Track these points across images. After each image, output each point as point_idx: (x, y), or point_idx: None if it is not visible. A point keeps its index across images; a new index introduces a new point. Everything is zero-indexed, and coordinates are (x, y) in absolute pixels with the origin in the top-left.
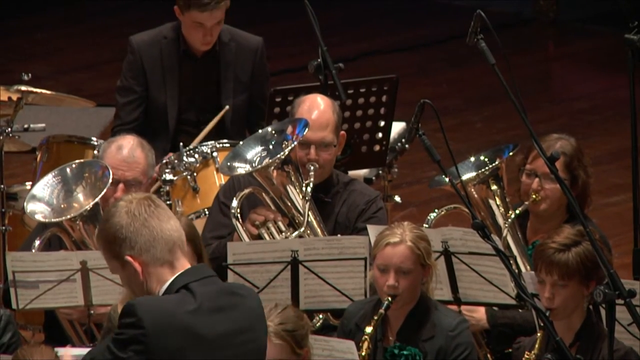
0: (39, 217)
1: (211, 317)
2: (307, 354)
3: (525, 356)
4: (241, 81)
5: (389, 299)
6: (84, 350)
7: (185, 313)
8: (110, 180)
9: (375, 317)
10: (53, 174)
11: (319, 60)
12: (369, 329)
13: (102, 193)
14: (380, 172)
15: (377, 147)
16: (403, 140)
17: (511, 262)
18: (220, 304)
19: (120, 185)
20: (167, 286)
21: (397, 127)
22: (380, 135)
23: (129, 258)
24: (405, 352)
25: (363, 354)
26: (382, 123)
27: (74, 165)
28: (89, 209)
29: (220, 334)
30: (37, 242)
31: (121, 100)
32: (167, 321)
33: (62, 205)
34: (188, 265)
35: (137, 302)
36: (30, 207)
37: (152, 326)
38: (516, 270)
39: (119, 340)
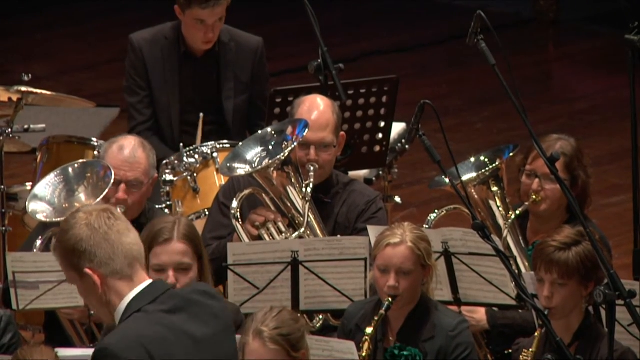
0: (40, 217)
1: (171, 337)
2: (304, 356)
3: (523, 354)
4: (241, 81)
5: (390, 299)
6: (84, 351)
7: (156, 330)
8: (112, 181)
9: (376, 318)
10: (55, 173)
11: (319, 60)
12: (369, 330)
13: (104, 193)
14: (381, 172)
15: (377, 148)
16: (403, 140)
17: (511, 262)
18: (174, 323)
19: (122, 186)
20: (124, 310)
21: (398, 127)
22: (380, 135)
23: (88, 271)
24: (405, 353)
25: (363, 354)
26: (383, 124)
27: (76, 165)
28: None
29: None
30: (38, 242)
31: (131, 99)
32: (144, 347)
33: (64, 205)
34: (146, 279)
35: (109, 344)
36: (32, 206)
37: (139, 357)
38: (516, 271)
39: None
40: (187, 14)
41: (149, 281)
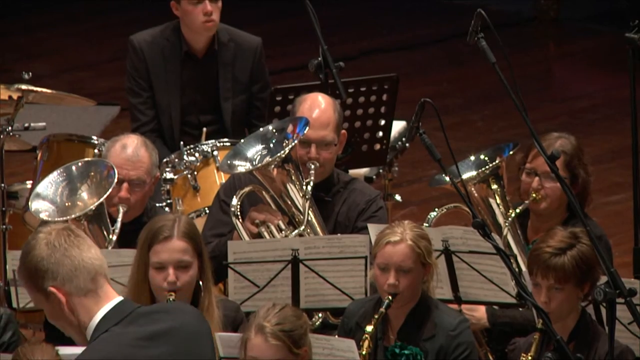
0: (43, 215)
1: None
2: (306, 353)
3: (522, 357)
4: (240, 81)
5: (390, 297)
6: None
7: (123, 353)
8: (116, 181)
9: (376, 316)
10: (58, 171)
11: (319, 59)
12: (369, 328)
13: (108, 193)
14: (381, 170)
15: (377, 146)
16: (403, 139)
17: (511, 260)
18: (141, 347)
19: (125, 185)
20: (94, 329)
21: (398, 125)
22: (380, 134)
23: (52, 289)
24: (406, 352)
25: (364, 352)
26: (383, 122)
27: (79, 164)
28: (94, 208)
29: None
30: None
31: (134, 100)
32: None
33: (67, 204)
34: (113, 295)
35: None
36: (35, 205)
37: None
38: (516, 269)
39: None
40: (182, 2)
41: (117, 299)
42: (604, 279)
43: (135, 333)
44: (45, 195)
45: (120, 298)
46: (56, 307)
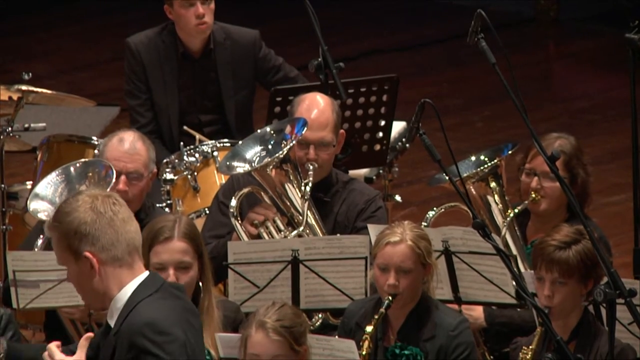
0: (41, 215)
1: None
2: (306, 352)
3: (523, 351)
4: (241, 77)
5: (390, 298)
6: None
7: (180, 313)
8: (114, 180)
9: (376, 316)
10: (57, 172)
11: (319, 59)
12: (369, 328)
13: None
14: (381, 171)
15: (377, 147)
16: (403, 139)
17: (511, 261)
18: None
19: (122, 178)
20: (129, 297)
21: (398, 126)
22: (380, 134)
23: (88, 254)
24: (406, 352)
25: (364, 353)
26: (383, 122)
27: (77, 164)
28: None
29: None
30: (39, 241)
31: (133, 102)
32: (184, 325)
33: None
34: (143, 269)
35: (154, 318)
36: (33, 205)
37: (183, 333)
38: (516, 270)
39: None
40: (175, 4)
41: (148, 272)
42: (605, 279)
43: (175, 303)
44: (44, 196)
45: (148, 272)
46: (84, 270)
